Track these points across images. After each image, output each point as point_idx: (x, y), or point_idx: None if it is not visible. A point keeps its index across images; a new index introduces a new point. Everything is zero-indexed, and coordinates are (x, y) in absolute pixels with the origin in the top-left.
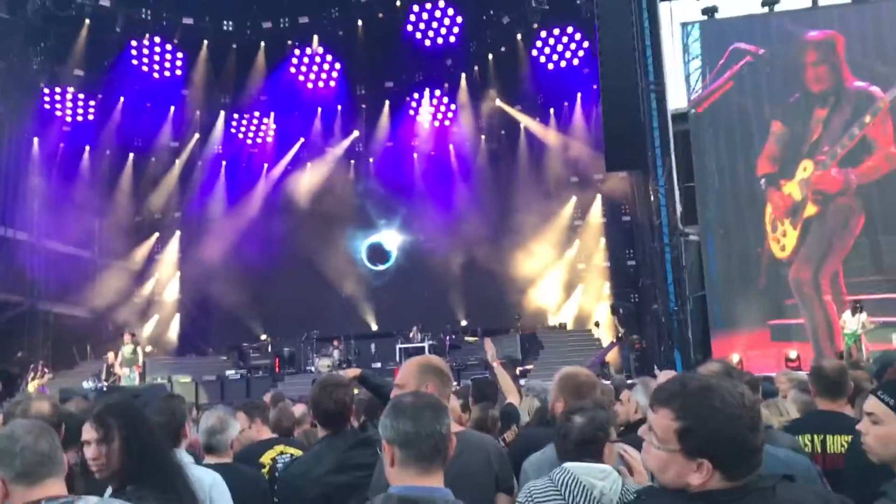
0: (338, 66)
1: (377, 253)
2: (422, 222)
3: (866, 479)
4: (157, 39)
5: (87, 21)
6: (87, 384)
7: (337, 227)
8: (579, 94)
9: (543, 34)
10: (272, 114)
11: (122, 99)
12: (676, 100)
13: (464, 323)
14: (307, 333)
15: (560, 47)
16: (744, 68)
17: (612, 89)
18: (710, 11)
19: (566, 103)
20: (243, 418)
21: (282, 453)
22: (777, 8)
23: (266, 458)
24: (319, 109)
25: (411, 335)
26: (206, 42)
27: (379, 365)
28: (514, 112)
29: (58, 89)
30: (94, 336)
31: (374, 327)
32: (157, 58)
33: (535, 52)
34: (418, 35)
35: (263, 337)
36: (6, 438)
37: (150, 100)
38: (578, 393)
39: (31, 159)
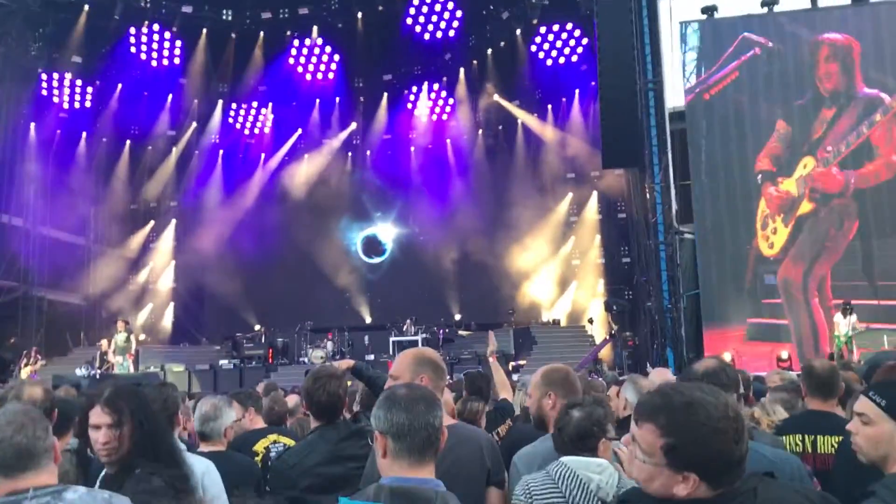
0: (336, 57)
1: (372, 245)
2: (417, 216)
3: (856, 479)
4: (155, 27)
5: (86, 7)
6: (80, 371)
7: (333, 219)
8: (577, 91)
9: (543, 30)
10: (270, 104)
11: (119, 86)
12: (674, 98)
13: (458, 317)
14: (301, 324)
15: (559, 43)
16: (751, 60)
17: (610, 86)
18: (709, 10)
19: (564, 99)
20: (237, 407)
21: (275, 442)
22: (776, 8)
23: (259, 447)
24: (317, 101)
25: (405, 328)
26: (204, 31)
27: (372, 357)
28: (511, 107)
29: (55, 75)
30: (87, 323)
31: (368, 320)
32: (155, 46)
33: (533, 48)
34: (417, 28)
35: (257, 327)
36: None
37: (148, 88)
38: (567, 386)
39: (27, 145)
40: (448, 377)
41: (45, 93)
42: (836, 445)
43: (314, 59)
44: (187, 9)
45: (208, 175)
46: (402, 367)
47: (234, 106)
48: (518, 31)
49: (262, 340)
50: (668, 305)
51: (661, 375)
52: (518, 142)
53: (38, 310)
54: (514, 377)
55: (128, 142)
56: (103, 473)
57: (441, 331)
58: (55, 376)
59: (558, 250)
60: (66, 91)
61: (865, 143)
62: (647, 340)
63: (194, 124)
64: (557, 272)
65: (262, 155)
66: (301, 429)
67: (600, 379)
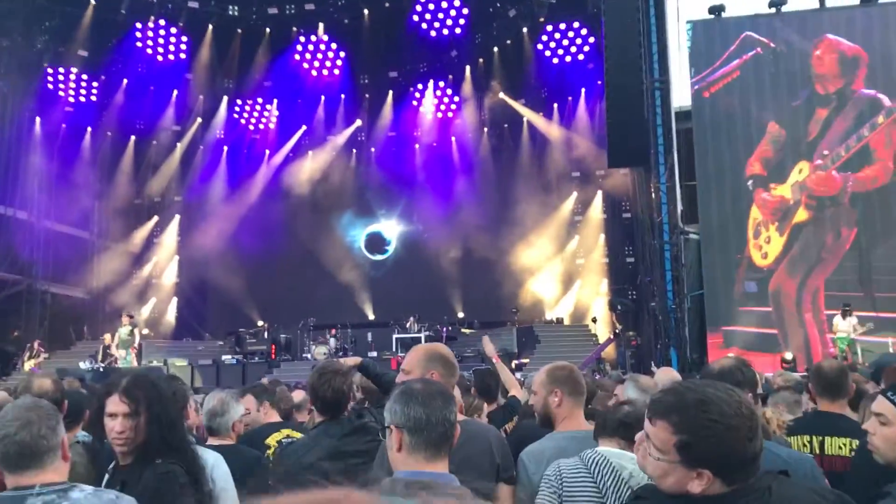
0: (342, 54)
1: (376, 242)
2: (421, 213)
3: (873, 480)
4: (161, 22)
5: (93, 2)
6: (84, 365)
7: (336, 216)
8: (583, 90)
9: (549, 28)
10: (275, 100)
11: (125, 81)
12: (680, 98)
13: (461, 314)
14: (304, 321)
15: (566, 42)
16: (753, 60)
17: (617, 85)
18: (716, 10)
19: (570, 98)
20: (251, 401)
21: (288, 437)
22: (784, 9)
23: (272, 440)
24: (323, 97)
25: (408, 325)
26: (210, 26)
27: (375, 354)
28: (517, 105)
29: (61, 69)
30: (90, 317)
31: (371, 317)
32: (161, 41)
33: (540, 46)
34: (424, 25)
35: (260, 323)
36: None
37: (154, 83)
38: (573, 383)
39: (32, 139)
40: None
41: (50, 87)
42: (843, 447)
43: (320, 56)
44: (193, 4)
45: (212, 170)
46: (413, 361)
47: (239, 102)
48: (525, 30)
49: (265, 336)
50: (672, 306)
51: (666, 374)
52: (523, 140)
53: (42, 303)
54: (517, 375)
55: (133, 136)
56: (113, 465)
57: (444, 329)
58: (58, 370)
59: (562, 249)
60: (72, 85)
61: (864, 147)
62: (651, 340)
63: (199, 120)
64: (561, 271)
65: (267, 151)
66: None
67: (608, 378)
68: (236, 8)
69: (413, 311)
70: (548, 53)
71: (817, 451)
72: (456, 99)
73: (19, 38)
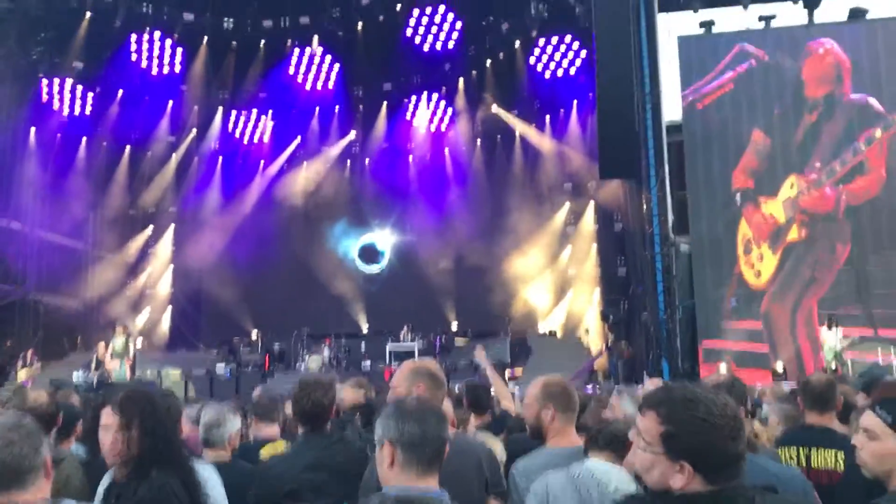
0: (336, 66)
1: (370, 253)
2: (415, 225)
3: (864, 494)
4: (157, 34)
5: (88, 14)
6: (77, 376)
7: (330, 227)
8: (575, 102)
9: (542, 42)
10: (270, 112)
11: (120, 92)
12: (671, 110)
13: (454, 325)
14: (298, 331)
15: (557, 55)
16: (746, 72)
17: (608, 98)
18: (707, 25)
19: (562, 111)
20: (257, 422)
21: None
22: (773, 23)
23: (265, 453)
24: (317, 109)
25: (402, 336)
26: (206, 38)
27: (369, 364)
28: (510, 118)
29: (56, 80)
30: (84, 327)
31: (365, 327)
32: (156, 53)
33: (532, 60)
34: (417, 39)
35: (254, 333)
36: None
37: (149, 94)
38: (566, 398)
39: (27, 149)
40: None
41: (45, 98)
42: (829, 460)
43: (314, 68)
44: (189, 16)
45: (207, 181)
46: (399, 377)
47: (233, 113)
48: (517, 43)
49: (259, 347)
50: (664, 316)
51: (655, 384)
52: (516, 152)
53: (36, 313)
54: (511, 384)
55: (127, 147)
56: (109, 480)
57: (437, 339)
58: (52, 380)
59: (555, 260)
60: (67, 96)
61: (847, 158)
62: (643, 351)
63: (194, 131)
64: (554, 281)
65: (262, 162)
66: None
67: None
68: (231, 21)
69: (407, 322)
70: (540, 67)
71: (804, 464)
72: (449, 111)
73: (14, 48)
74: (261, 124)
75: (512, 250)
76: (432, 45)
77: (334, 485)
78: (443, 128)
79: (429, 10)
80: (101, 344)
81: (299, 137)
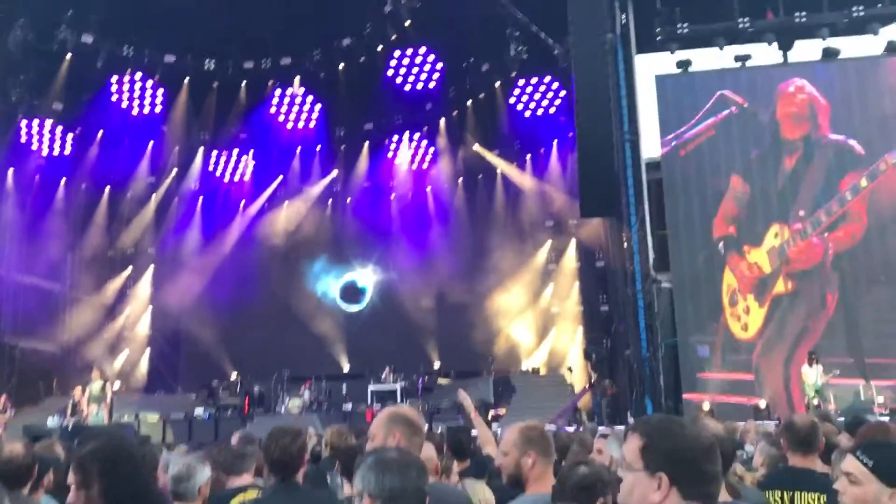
0: (318, 107)
1: (351, 293)
2: (397, 263)
3: None
4: (138, 76)
5: (69, 55)
6: (52, 421)
7: (312, 267)
8: (555, 142)
9: (521, 82)
10: (251, 152)
11: (100, 133)
12: (650, 149)
13: (437, 365)
14: (278, 372)
15: (537, 95)
16: (726, 118)
17: (588, 137)
18: (684, 65)
19: (542, 150)
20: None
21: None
22: (749, 63)
23: (235, 502)
24: (298, 149)
25: (383, 377)
26: (187, 79)
27: (350, 406)
28: (491, 157)
29: (35, 122)
30: (61, 371)
31: (346, 368)
32: (137, 94)
33: (512, 100)
34: (399, 80)
35: (234, 375)
36: None
37: (129, 135)
38: (545, 443)
39: (4, 191)
40: (427, 429)
41: (24, 139)
42: (812, 502)
43: (296, 108)
44: (170, 58)
45: (187, 222)
46: (376, 425)
47: (214, 153)
48: (497, 84)
49: (239, 389)
50: (647, 354)
51: None
52: (497, 191)
53: (10, 358)
54: (494, 426)
55: (107, 188)
56: None
57: (420, 379)
58: (26, 426)
59: (537, 298)
60: (46, 137)
61: (833, 208)
62: (627, 389)
63: (175, 171)
64: (537, 320)
65: (242, 202)
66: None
67: (584, 430)
68: (212, 62)
69: (388, 362)
70: (520, 107)
71: None
72: (431, 150)
73: None
74: (242, 164)
75: (494, 288)
76: (413, 86)
77: None
78: (424, 166)
79: (410, 51)
80: (78, 389)
81: (281, 177)
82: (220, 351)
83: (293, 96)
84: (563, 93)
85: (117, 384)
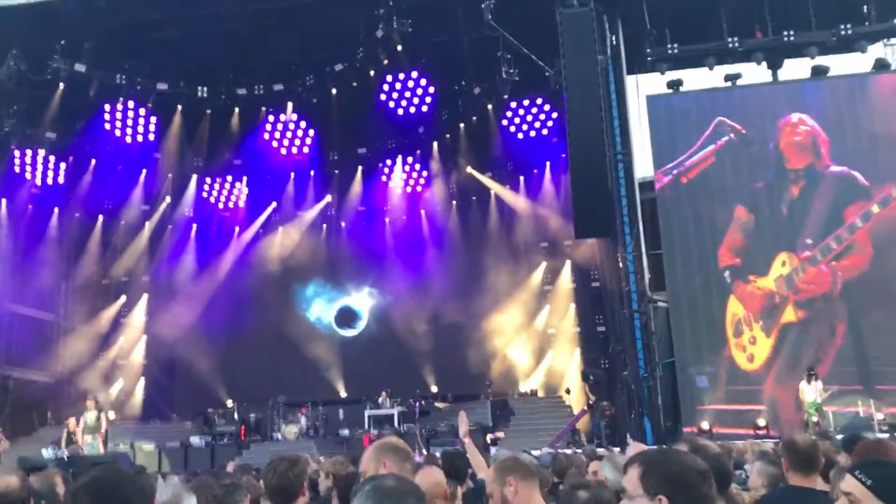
0: (311, 132)
1: (347, 318)
2: (392, 287)
3: None
4: (130, 104)
5: (62, 85)
6: (47, 452)
7: (307, 292)
8: (548, 163)
9: (513, 105)
10: (244, 178)
11: (93, 162)
12: (642, 169)
13: (434, 389)
14: (274, 399)
15: (529, 117)
16: (726, 146)
17: (580, 158)
18: (674, 85)
19: (535, 171)
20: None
21: None
22: (739, 82)
23: None
24: (292, 174)
25: (380, 401)
26: (179, 107)
27: (347, 432)
28: (484, 179)
29: (28, 151)
30: (55, 401)
31: (343, 393)
32: (130, 122)
33: (505, 122)
34: (391, 104)
35: (229, 402)
36: None
37: (122, 163)
38: (522, 468)
39: None
40: (416, 455)
41: (17, 169)
42: None
43: (289, 134)
44: (162, 86)
45: (181, 249)
46: (366, 459)
47: (208, 180)
48: (490, 106)
49: (235, 416)
50: (644, 374)
51: (638, 449)
52: (491, 213)
53: (4, 388)
54: (493, 450)
55: (100, 217)
56: None
57: (417, 403)
58: (20, 458)
59: (534, 320)
60: (39, 167)
61: (843, 236)
62: (625, 410)
63: (168, 199)
64: (534, 342)
65: (237, 228)
66: None
67: (579, 452)
68: (205, 89)
69: (385, 387)
70: (512, 129)
71: None
72: (424, 174)
73: None
74: (235, 190)
75: (490, 311)
76: (406, 110)
77: None
78: (418, 189)
79: (402, 75)
80: (72, 420)
81: (274, 203)
82: (215, 378)
83: (286, 122)
84: (554, 114)
85: (112, 414)
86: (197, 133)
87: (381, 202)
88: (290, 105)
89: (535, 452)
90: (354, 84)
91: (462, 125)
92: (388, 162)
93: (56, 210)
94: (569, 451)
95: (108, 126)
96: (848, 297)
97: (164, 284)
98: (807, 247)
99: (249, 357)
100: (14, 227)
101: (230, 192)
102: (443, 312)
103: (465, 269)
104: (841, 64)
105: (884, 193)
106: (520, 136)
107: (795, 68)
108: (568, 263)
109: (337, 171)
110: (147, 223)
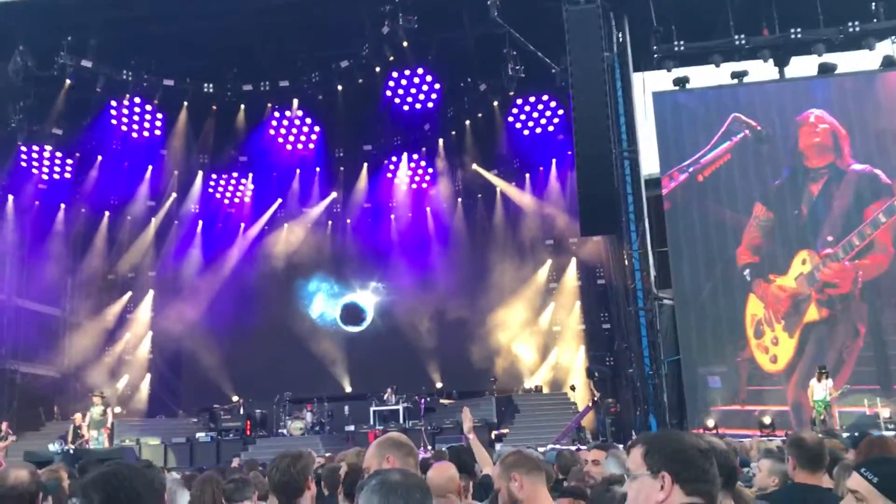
0: (317, 128)
1: (352, 314)
2: (398, 284)
3: None
4: (137, 100)
5: (68, 81)
6: (53, 447)
7: (312, 288)
8: (554, 160)
9: (519, 101)
10: (250, 174)
11: (99, 158)
12: (649, 166)
13: (439, 385)
14: (280, 395)
15: (535, 114)
16: (741, 143)
17: (586, 156)
18: (681, 82)
19: (541, 168)
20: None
21: None
22: (746, 79)
23: None
24: (298, 171)
25: (385, 397)
26: (186, 103)
27: (353, 428)
28: (490, 176)
29: (35, 147)
30: (61, 396)
31: (348, 389)
32: (136, 118)
33: (511, 119)
34: (397, 100)
35: (235, 398)
36: None
37: (129, 159)
38: (527, 462)
39: (3, 217)
40: (422, 451)
41: (24, 164)
42: None
43: (294, 130)
44: (168, 82)
45: (187, 245)
46: (368, 455)
47: (214, 176)
48: (495, 103)
49: (240, 412)
50: (650, 371)
51: None
52: (497, 210)
53: (11, 383)
54: (498, 446)
55: (107, 212)
56: None
57: (422, 400)
58: (27, 453)
59: (539, 317)
60: (46, 163)
61: (866, 232)
62: (630, 407)
63: (174, 195)
64: (539, 339)
65: (242, 224)
66: None
67: (584, 448)
68: (211, 85)
69: (390, 383)
70: (518, 125)
71: None
72: (430, 170)
73: None
74: (241, 187)
75: (495, 308)
76: (412, 106)
77: None
78: (424, 186)
79: (408, 72)
80: (78, 415)
81: (280, 199)
82: (221, 374)
83: (292, 118)
84: (560, 111)
85: (118, 409)
86: (203, 129)
87: (387, 199)
88: (295, 101)
89: (541, 449)
90: (360, 80)
91: (468, 122)
92: (394, 158)
93: (62, 206)
94: (573, 448)
95: (114, 122)
96: (868, 297)
97: (169, 280)
98: (828, 244)
99: (255, 353)
100: (20, 222)
101: (236, 188)
102: (448, 309)
103: (471, 266)
104: (848, 61)
105: None
106: (526, 133)
107: (802, 66)
108: (573, 261)
109: (342, 168)
110: (153, 219)
